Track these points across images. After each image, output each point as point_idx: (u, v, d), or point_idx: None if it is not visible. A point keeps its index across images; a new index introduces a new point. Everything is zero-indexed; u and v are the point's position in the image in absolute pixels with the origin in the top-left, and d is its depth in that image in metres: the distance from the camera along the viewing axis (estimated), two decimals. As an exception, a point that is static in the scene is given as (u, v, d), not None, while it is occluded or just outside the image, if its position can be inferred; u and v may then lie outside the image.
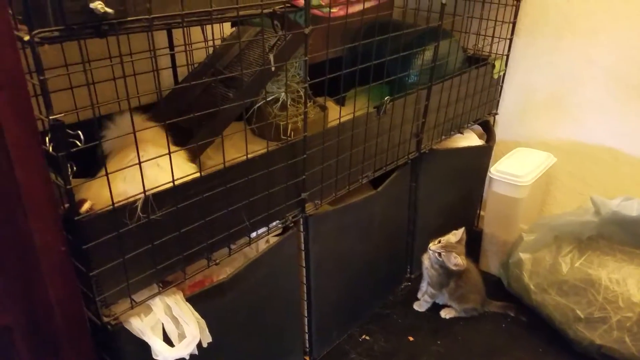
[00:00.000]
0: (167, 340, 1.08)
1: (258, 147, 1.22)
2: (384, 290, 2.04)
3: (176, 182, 1.03)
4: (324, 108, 1.58)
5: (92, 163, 1.02)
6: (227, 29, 1.62)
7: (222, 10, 0.99)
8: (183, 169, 1.09)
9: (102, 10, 0.76)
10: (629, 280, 1.64)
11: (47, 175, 0.82)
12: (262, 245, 1.39)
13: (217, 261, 1.22)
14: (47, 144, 0.83)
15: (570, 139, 2.10)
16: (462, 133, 2.04)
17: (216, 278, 1.28)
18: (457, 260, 1.76)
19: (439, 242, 1.83)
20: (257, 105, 1.46)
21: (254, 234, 1.32)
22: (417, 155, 1.83)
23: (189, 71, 1.51)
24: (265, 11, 1.07)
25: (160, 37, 1.52)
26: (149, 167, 1.01)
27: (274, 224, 1.37)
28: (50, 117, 0.79)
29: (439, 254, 1.79)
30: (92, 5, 0.76)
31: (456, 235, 1.83)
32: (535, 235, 1.87)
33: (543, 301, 1.80)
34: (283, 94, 1.47)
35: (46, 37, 0.75)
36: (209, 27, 1.50)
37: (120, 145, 1.12)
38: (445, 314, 1.96)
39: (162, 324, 1.09)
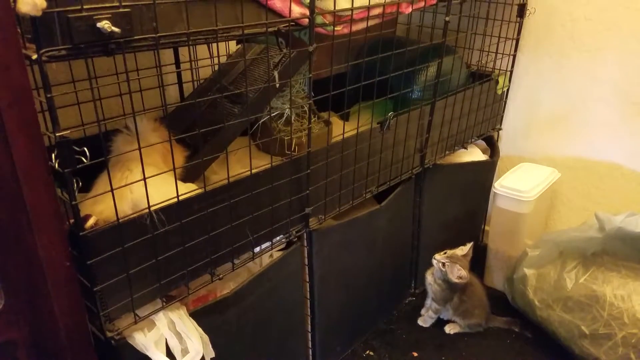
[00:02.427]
0: (170, 355, 1.08)
1: (262, 162, 1.23)
2: (388, 305, 2.03)
3: (162, 203, 1.03)
4: (328, 123, 1.59)
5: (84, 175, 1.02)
6: (233, 46, 1.64)
7: (228, 29, 1.00)
8: (167, 189, 1.07)
9: (109, 30, 0.78)
10: (634, 297, 1.62)
11: (53, 191, 0.83)
12: (266, 260, 1.39)
13: (221, 276, 1.22)
14: (53, 160, 0.84)
15: (575, 155, 2.10)
16: (466, 148, 2.05)
17: (220, 293, 1.28)
18: (461, 272, 1.76)
19: (445, 253, 1.83)
20: (262, 120, 1.47)
21: (257, 249, 1.33)
22: (421, 170, 1.84)
23: (194, 87, 1.52)
24: (270, 30, 1.09)
25: (167, 53, 1.53)
26: (136, 186, 1.02)
27: (278, 238, 1.38)
28: (57, 134, 0.80)
29: (443, 264, 1.79)
30: (99, 25, 0.77)
31: (463, 250, 1.83)
32: (539, 251, 1.86)
33: (548, 317, 1.79)
34: (287, 109, 1.48)
35: (54, 55, 0.77)
36: (215, 44, 1.52)
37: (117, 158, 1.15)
38: (449, 329, 1.95)
39: (166, 339, 1.09)
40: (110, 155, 1.13)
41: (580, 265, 1.75)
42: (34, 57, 0.75)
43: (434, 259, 1.83)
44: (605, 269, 1.71)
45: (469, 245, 1.84)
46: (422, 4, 1.48)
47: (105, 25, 0.77)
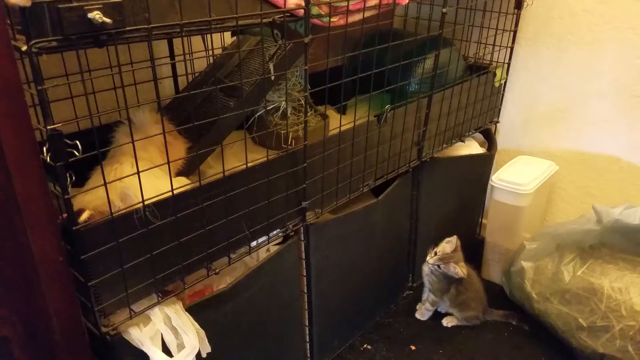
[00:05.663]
0: (166, 350, 1.08)
1: (259, 156, 1.22)
2: (386, 299, 2.03)
3: (155, 197, 1.02)
4: (324, 117, 1.58)
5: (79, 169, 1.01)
6: (228, 38, 1.62)
7: (221, 20, 0.99)
8: (157, 183, 1.06)
9: (100, 20, 0.76)
10: (631, 289, 1.62)
11: (45, 186, 0.82)
12: (263, 254, 1.38)
13: (217, 270, 1.21)
14: (45, 154, 0.83)
15: (573, 148, 2.09)
16: (463, 141, 2.04)
17: (216, 287, 1.28)
18: (457, 270, 1.76)
19: (435, 253, 1.82)
20: (258, 114, 1.46)
21: (254, 243, 1.32)
22: (419, 163, 1.83)
23: (188, 81, 1.51)
24: (264, 21, 1.07)
25: (162, 46, 1.52)
26: (128, 178, 1.01)
27: (275, 232, 1.37)
28: (48, 127, 0.79)
29: (438, 266, 1.79)
30: (90, 15, 0.75)
31: (451, 244, 1.82)
32: (537, 244, 1.86)
33: (545, 310, 1.79)
34: (284, 102, 1.47)
35: (44, 47, 0.75)
36: (209, 36, 1.50)
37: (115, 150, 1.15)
38: (447, 322, 1.95)
39: (161, 334, 1.08)
40: (105, 148, 1.12)
41: (577, 258, 1.75)
42: (24, 48, 0.74)
43: (427, 263, 1.84)
44: (603, 261, 1.71)
45: (454, 238, 1.83)
46: (419, -5, 1.47)
47: (96, 15, 0.76)
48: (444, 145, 1.93)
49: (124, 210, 0.98)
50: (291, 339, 1.60)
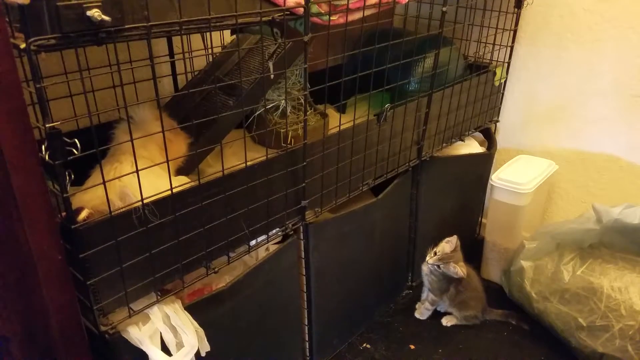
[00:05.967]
0: (165, 349, 1.07)
1: (258, 155, 1.22)
2: (385, 298, 2.03)
3: (154, 196, 1.02)
4: (324, 115, 1.58)
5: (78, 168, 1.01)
6: (228, 36, 1.62)
7: (221, 18, 0.99)
8: (157, 181, 1.06)
9: (99, 18, 0.76)
10: (631, 289, 1.62)
11: (44, 184, 0.81)
12: (262, 253, 1.38)
13: (216, 269, 1.21)
14: (44, 152, 0.82)
15: (573, 147, 2.09)
16: (463, 140, 2.04)
17: (215, 286, 1.27)
18: (457, 270, 1.76)
19: (435, 253, 1.82)
20: (258, 112, 1.46)
21: (253, 242, 1.31)
22: (418, 162, 1.83)
23: (187, 79, 1.51)
24: (264, 19, 1.07)
25: (161, 44, 1.52)
26: (128, 177, 1.01)
27: (274, 231, 1.37)
28: (47, 126, 0.79)
29: (438, 266, 1.79)
30: (89, 13, 0.75)
31: (450, 244, 1.82)
32: (537, 243, 1.86)
33: (545, 309, 1.79)
34: (283, 101, 1.47)
35: (43, 45, 0.75)
36: (209, 34, 1.50)
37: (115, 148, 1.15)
38: (446, 321, 1.95)
39: (161, 333, 1.08)
40: (103, 147, 1.12)
41: (577, 257, 1.75)
42: (23, 46, 0.74)
43: (427, 264, 1.84)
44: (603, 261, 1.71)
45: (454, 238, 1.83)
46: (419, -6, 1.47)
47: (95, 13, 0.75)
48: (444, 145, 1.93)
49: (123, 209, 0.98)
50: (290, 338, 1.60)
